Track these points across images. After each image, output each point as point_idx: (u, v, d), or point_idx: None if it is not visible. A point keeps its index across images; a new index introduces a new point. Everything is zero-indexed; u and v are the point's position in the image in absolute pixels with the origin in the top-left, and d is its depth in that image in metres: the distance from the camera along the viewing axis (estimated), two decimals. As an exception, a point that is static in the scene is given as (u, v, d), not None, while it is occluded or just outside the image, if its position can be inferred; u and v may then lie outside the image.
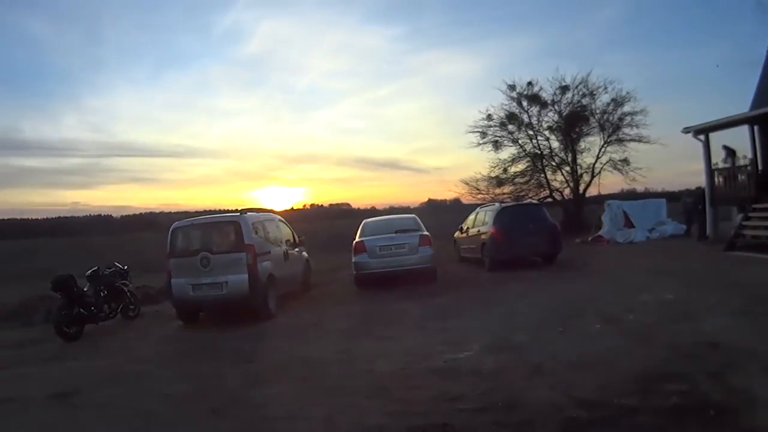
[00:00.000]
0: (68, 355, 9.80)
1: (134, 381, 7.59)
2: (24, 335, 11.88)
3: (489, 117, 29.91)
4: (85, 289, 11.70)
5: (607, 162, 28.95)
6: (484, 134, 30.02)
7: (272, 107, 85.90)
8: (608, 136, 28.82)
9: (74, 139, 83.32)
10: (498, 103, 31.45)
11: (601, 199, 27.85)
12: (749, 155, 18.02)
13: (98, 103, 78.18)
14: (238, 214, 11.71)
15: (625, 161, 28.59)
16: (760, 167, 17.38)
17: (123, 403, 6.58)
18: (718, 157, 19.19)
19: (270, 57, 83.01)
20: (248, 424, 5.46)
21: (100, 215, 66.55)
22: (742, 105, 20.00)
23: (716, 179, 18.99)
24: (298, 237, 14.62)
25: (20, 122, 75.73)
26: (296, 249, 14.20)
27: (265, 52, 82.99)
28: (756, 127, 17.84)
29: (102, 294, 12.03)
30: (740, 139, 18.36)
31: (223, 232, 11.40)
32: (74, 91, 77.56)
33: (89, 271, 12.21)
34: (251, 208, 13.00)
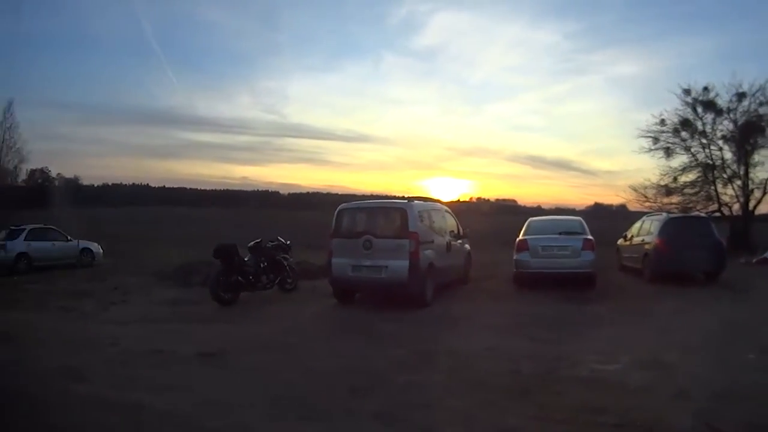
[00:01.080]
0: (221, 318, 10.12)
1: (281, 351, 7.61)
2: (181, 295, 12.54)
3: (662, 122, 27.80)
4: (246, 259, 12.08)
5: (784, 179, 26.00)
6: (656, 140, 27.96)
7: (445, 99, 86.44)
8: (787, 151, 25.78)
9: (247, 118, 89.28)
10: (672, 107, 29.16)
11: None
12: None
13: (272, 85, 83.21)
14: (406, 201, 11.63)
15: (804, 179, 25.48)
16: None
17: (266, 370, 6.58)
18: None
19: (444, 49, 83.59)
20: (385, 408, 5.18)
21: (267, 191, 70.14)
22: None
23: None
24: (463, 229, 14.26)
25: (196, 100, 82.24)
26: (459, 241, 13.82)
27: (439, 44, 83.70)
28: None
29: (262, 265, 12.35)
30: None
31: (389, 217, 11.38)
32: (249, 73, 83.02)
33: (252, 243, 12.60)
34: (419, 197, 12.91)
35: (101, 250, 21.15)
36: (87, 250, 20.51)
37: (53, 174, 52.67)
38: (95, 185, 59.65)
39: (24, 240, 18.61)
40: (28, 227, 19.19)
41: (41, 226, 19.75)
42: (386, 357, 7.23)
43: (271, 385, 5.92)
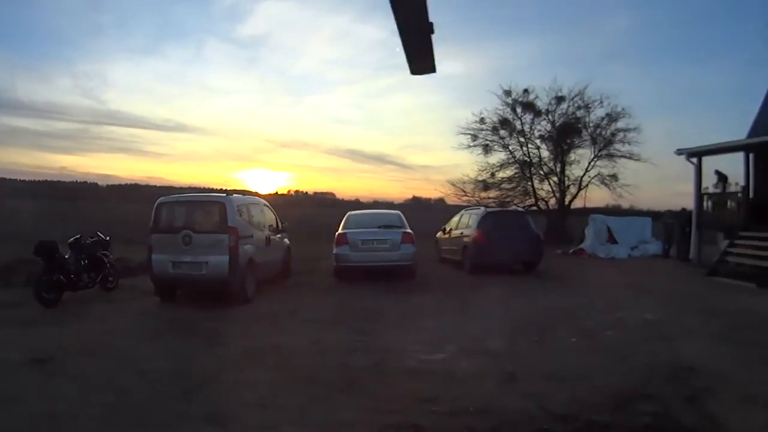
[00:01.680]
0: (46, 320, 9.77)
1: (109, 354, 7.56)
2: (3, 297, 11.84)
3: (482, 120, 30.14)
4: (66, 257, 11.66)
5: (596, 176, 29.41)
6: (475, 137, 30.25)
7: (266, 89, 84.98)
8: (599, 151, 29.20)
9: (66, 103, 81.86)
10: (492, 107, 31.74)
11: (585, 212, 28.02)
12: (741, 182, 18.15)
13: (92, 68, 76.96)
14: (224, 195, 11.65)
15: (614, 177, 29.06)
16: (751, 195, 17.52)
17: (97, 376, 6.54)
18: (709, 182, 19.34)
19: (267, 39, 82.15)
20: (219, 409, 5.42)
21: (86, 182, 65.61)
22: (737, 131, 20.15)
23: (705, 203, 19.13)
24: (282, 223, 14.54)
25: (13, 81, 74.45)
26: (278, 235, 14.09)
27: (263, 34, 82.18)
28: (752, 155, 17.99)
29: (83, 263, 12.00)
30: (732, 166, 18.52)
31: (208, 212, 11.35)
32: (70, 55, 76.29)
33: (72, 239, 12.18)
34: (237, 190, 12.91)
35: None
36: None
37: None
38: None
39: None
40: None
41: None
42: (214, 356, 7.41)
43: (104, 392, 5.87)
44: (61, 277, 11.20)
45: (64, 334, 8.68)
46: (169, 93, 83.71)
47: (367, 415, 5.10)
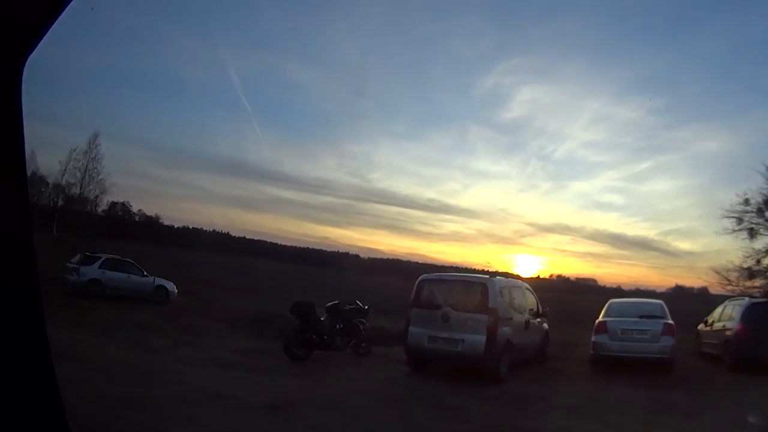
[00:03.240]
0: (290, 372, 10.09)
1: (346, 412, 7.52)
2: (252, 344, 12.56)
3: (746, 201, 26.65)
4: (322, 318, 12.09)
5: None
6: (740, 220, 26.73)
7: (528, 174, 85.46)
8: None
9: (331, 179, 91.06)
10: (756, 186, 28.19)
11: None
12: None
13: (357, 149, 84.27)
14: (487, 276, 11.76)
15: None
16: None
17: (327, 427, 6.57)
18: None
19: (528, 123, 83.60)
20: None
21: (347, 253, 70.24)
22: None
23: None
24: (542, 308, 14.02)
25: (281, 157, 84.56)
26: (538, 319, 13.55)
27: (524, 118, 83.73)
28: None
29: (338, 326, 12.32)
30: None
31: (470, 291, 11.37)
32: (335, 136, 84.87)
33: (330, 304, 12.66)
34: (499, 272, 12.68)
35: (176, 290, 20.84)
36: (162, 288, 20.21)
37: (134, 209, 54.42)
38: (175, 226, 61.55)
39: (98, 267, 18.71)
40: (104, 256, 19.38)
41: (118, 257, 19.94)
42: (453, 430, 7.11)
43: None
44: (314, 336, 11.59)
45: (307, 387, 8.84)
46: (432, 175, 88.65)
47: None
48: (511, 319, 11.45)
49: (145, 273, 20.03)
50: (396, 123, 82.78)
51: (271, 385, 8.59)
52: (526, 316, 12.54)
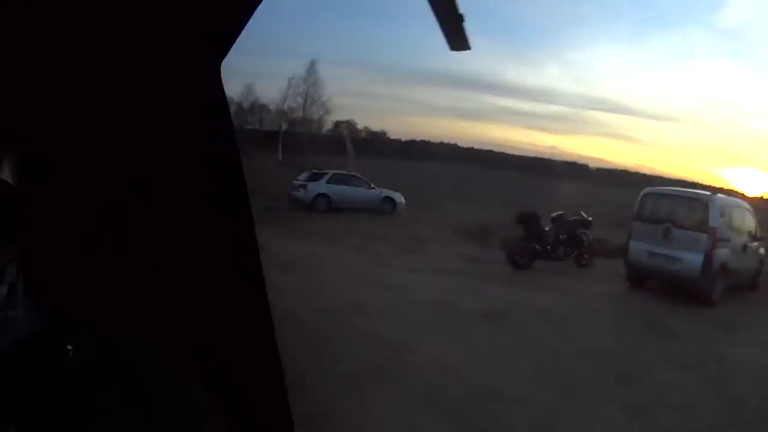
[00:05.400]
0: (511, 281, 10.35)
1: (560, 323, 7.55)
2: (476, 252, 12.86)
3: None
4: (546, 229, 12.30)
5: None
6: None
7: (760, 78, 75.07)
8: None
9: (555, 88, 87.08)
10: None
11: None
12: None
13: (578, 57, 79.48)
14: (710, 194, 11.29)
15: None
16: None
17: (540, 339, 6.60)
18: None
19: (747, 28, 72.15)
20: (637, 401, 5.06)
21: (575, 163, 67.96)
22: None
23: None
24: (761, 231, 12.84)
25: (503, 67, 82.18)
26: (756, 243, 12.51)
27: (746, 23, 72.39)
28: None
29: (561, 237, 12.43)
30: None
31: (691, 208, 11.08)
32: (555, 44, 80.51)
33: (555, 214, 12.84)
34: (723, 189, 12.44)
35: (403, 200, 20.98)
36: (389, 199, 20.55)
37: (359, 126, 56.67)
38: (402, 140, 63.42)
39: (326, 183, 19.53)
40: (331, 172, 20.07)
41: (344, 172, 20.72)
42: (660, 351, 6.97)
43: (540, 355, 5.94)
44: (537, 246, 11.85)
45: (525, 296, 8.98)
46: (655, 82, 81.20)
47: None
48: (729, 240, 10.93)
49: (372, 186, 20.68)
50: (615, 29, 76.06)
51: (490, 293, 8.86)
52: (745, 238, 11.85)
